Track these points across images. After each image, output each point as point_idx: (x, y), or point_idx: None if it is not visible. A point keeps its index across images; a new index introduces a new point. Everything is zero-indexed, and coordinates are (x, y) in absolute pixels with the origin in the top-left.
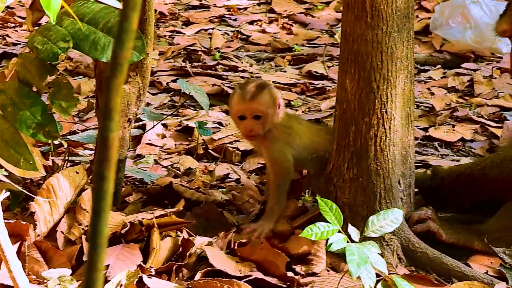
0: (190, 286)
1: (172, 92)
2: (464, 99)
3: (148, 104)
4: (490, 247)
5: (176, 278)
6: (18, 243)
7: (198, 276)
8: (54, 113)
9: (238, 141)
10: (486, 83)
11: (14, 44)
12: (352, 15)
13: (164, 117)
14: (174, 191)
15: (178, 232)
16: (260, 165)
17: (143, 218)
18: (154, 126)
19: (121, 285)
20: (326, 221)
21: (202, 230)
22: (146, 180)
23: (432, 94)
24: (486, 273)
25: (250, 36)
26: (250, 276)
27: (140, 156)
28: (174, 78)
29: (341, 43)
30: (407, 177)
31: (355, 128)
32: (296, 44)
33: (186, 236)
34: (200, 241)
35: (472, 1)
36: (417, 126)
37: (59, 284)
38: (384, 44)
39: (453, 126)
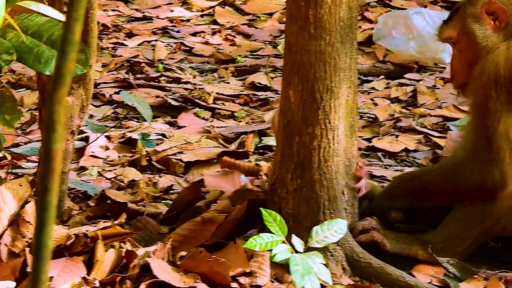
0: None
1: (115, 104)
2: (408, 109)
3: (91, 116)
4: (434, 257)
5: None
6: None
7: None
8: None
9: (181, 152)
10: (430, 94)
11: None
12: (295, 26)
13: (107, 129)
14: (116, 204)
15: (122, 244)
16: (201, 177)
17: (87, 230)
18: (97, 138)
19: None
20: (270, 231)
21: (143, 243)
22: (89, 193)
23: (376, 104)
24: (430, 282)
25: (193, 47)
26: (195, 287)
27: (83, 168)
28: (117, 90)
29: (284, 54)
30: (350, 187)
31: (299, 139)
32: (239, 56)
33: (130, 248)
34: (143, 252)
35: (415, 11)
36: (360, 137)
37: None
38: (327, 54)
39: (397, 136)
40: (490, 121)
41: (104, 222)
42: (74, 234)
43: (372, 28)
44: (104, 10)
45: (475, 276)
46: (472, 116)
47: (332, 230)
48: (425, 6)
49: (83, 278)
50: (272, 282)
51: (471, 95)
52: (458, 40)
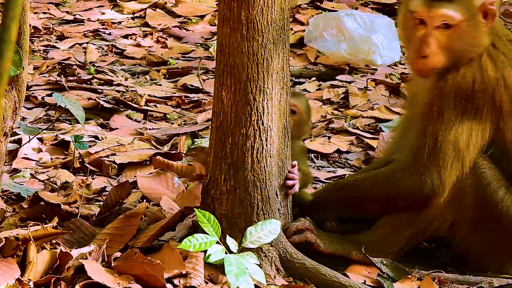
0: None
1: (48, 106)
2: (340, 111)
3: (23, 119)
4: (368, 257)
5: None
6: None
7: None
8: None
9: (114, 154)
10: (361, 95)
11: None
12: (227, 27)
13: (40, 131)
14: (49, 206)
15: (56, 245)
16: (134, 178)
17: (17, 234)
18: (30, 140)
19: None
20: (204, 232)
21: (76, 245)
22: (23, 195)
23: None
24: (364, 283)
25: (125, 50)
26: None
27: (16, 171)
28: (49, 92)
29: (217, 56)
30: (284, 188)
31: (232, 140)
32: (171, 58)
33: (64, 249)
34: (77, 254)
35: (346, 13)
36: None
37: None
38: (260, 56)
39: (329, 137)
40: (441, 128)
41: (34, 224)
42: (4, 238)
43: (304, 30)
44: (35, 13)
45: (409, 276)
46: (420, 121)
47: (266, 231)
48: (356, 8)
49: (17, 279)
50: (206, 283)
51: (428, 99)
52: (457, 25)
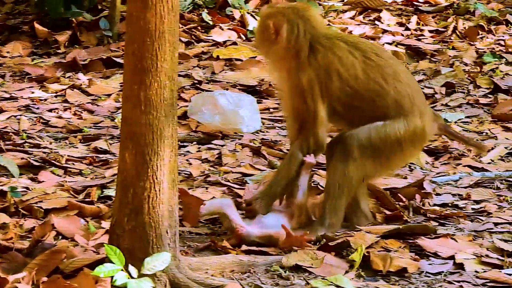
0: None
1: None
2: (215, 167)
3: None
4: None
5: None
6: None
7: None
8: None
9: (41, 201)
10: (231, 155)
11: None
12: (130, 104)
13: None
14: None
15: None
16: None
17: None
18: None
19: None
20: (111, 262)
21: (12, 272)
22: None
23: (190, 164)
24: None
25: (50, 120)
26: None
27: None
28: None
29: (121, 126)
30: (173, 227)
31: (133, 191)
32: (85, 127)
33: (2, 275)
34: (13, 279)
35: (219, 93)
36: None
37: None
38: (155, 126)
39: (207, 188)
40: None
41: None
42: None
43: (187, 106)
44: None
45: None
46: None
47: (160, 261)
48: (227, 89)
49: None
50: None
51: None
52: None
